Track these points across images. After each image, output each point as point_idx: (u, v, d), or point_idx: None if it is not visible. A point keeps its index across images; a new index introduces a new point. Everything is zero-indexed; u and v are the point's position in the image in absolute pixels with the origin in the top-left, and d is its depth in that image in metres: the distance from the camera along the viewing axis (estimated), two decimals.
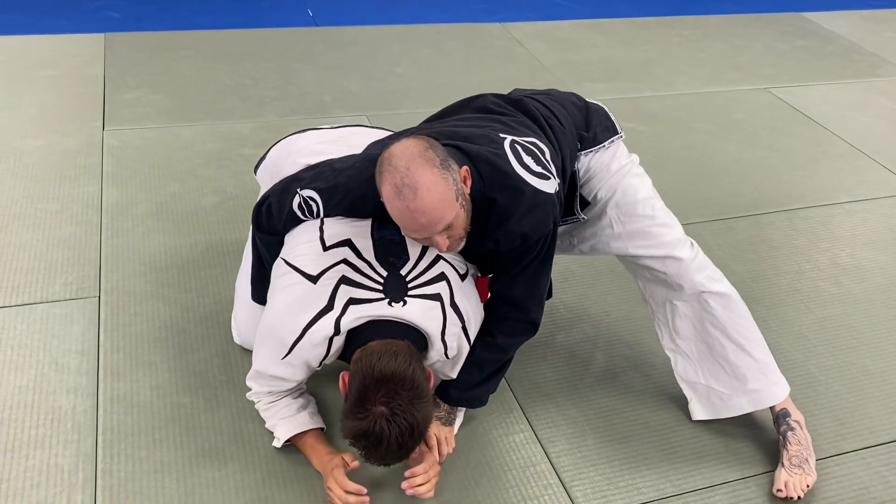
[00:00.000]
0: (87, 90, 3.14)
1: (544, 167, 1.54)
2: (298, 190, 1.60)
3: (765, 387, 1.81)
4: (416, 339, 1.52)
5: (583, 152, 1.80)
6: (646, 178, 1.86)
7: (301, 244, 1.58)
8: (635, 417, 1.92)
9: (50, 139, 2.78)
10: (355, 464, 1.57)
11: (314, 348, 1.50)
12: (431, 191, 1.36)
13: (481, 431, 1.84)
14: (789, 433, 1.79)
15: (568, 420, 1.90)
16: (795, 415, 1.83)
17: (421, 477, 1.57)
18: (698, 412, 1.89)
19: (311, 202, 1.59)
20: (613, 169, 1.81)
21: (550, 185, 1.53)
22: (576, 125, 1.79)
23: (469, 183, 1.46)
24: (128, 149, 2.79)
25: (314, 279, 1.50)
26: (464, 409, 1.81)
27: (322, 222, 1.60)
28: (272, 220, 1.67)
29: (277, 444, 1.68)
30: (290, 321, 1.50)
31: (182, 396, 1.83)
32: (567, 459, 1.79)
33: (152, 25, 3.78)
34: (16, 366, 1.86)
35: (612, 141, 1.83)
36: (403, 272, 1.54)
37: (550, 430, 1.87)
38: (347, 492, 1.53)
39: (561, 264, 2.29)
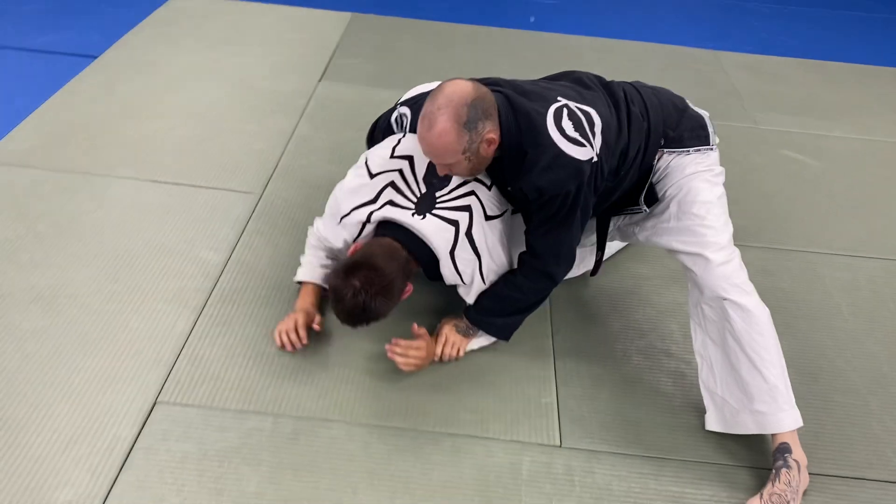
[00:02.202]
0: (319, 53, 3.80)
1: (583, 135, 1.70)
2: (398, 104, 1.98)
3: (771, 411, 1.76)
4: (423, 251, 1.83)
5: (665, 150, 1.92)
6: (717, 187, 1.91)
7: (380, 147, 1.97)
8: (659, 390, 2.04)
9: (276, 82, 3.46)
10: (318, 327, 1.96)
11: (352, 227, 1.90)
12: (440, 136, 1.65)
13: (507, 358, 2.08)
14: (784, 469, 1.72)
15: (593, 375, 2.07)
16: (797, 454, 1.76)
17: (401, 348, 1.87)
18: (712, 422, 1.88)
19: (404, 117, 1.96)
20: (689, 171, 1.91)
21: (582, 153, 1.70)
22: (665, 122, 1.91)
23: (494, 146, 1.70)
24: (331, 100, 3.37)
25: (372, 176, 1.88)
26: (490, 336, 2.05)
27: (404, 135, 1.96)
28: (377, 133, 2.08)
29: (294, 279, 2.11)
30: (345, 201, 1.90)
31: (290, 275, 2.28)
32: (574, 402, 1.98)
33: (392, 11, 4.41)
34: (183, 226, 2.46)
35: (699, 150, 1.91)
36: (438, 194, 1.85)
37: (572, 376, 2.05)
38: (294, 329, 1.93)
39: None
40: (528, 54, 4.03)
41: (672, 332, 2.24)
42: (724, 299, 1.79)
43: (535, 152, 1.70)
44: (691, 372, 2.07)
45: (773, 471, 1.75)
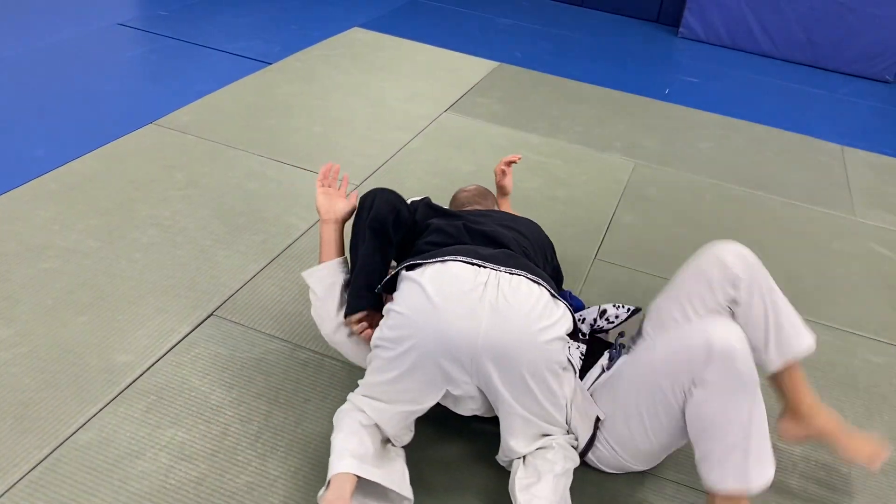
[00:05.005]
0: (455, 89, 4.28)
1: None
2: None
3: None
4: None
5: None
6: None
7: None
8: None
9: (408, 105, 3.96)
10: None
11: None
12: None
13: None
14: None
15: None
16: None
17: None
18: None
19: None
20: None
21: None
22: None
23: None
24: (449, 126, 3.81)
25: None
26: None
27: None
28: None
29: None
30: None
31: None
32: None
33: (538, 67, 4.82)
34: (285, 196, 2.96)
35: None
36: None
37: None
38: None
39: None
40: (649, 120, 4.26)
41: None
42: None
43: None
44: None
45: None
